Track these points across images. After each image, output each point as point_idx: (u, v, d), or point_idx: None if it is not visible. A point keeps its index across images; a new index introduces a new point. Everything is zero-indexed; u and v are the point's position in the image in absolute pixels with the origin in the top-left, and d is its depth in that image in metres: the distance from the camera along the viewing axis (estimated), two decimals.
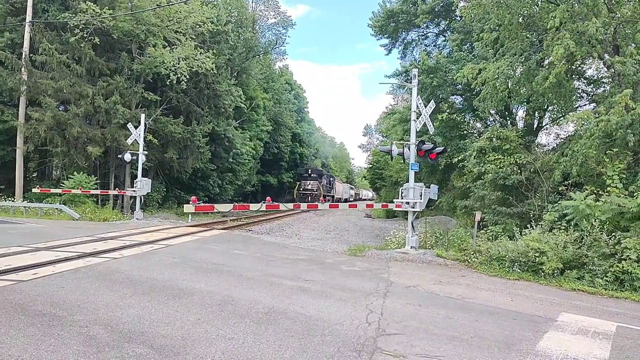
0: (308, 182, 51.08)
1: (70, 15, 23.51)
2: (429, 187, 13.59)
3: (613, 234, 10.16)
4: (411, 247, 13.38)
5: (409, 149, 13.76)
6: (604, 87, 17.37)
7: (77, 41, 23.33)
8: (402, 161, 14.68)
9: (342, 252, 13.93)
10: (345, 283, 8.88)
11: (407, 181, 13.88)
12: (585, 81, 18.44)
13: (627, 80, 11.86)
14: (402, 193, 13.71)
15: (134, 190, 21.89)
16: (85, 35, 23.26)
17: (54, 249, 10.90)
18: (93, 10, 22.90)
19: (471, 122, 24.49)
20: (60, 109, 24.64)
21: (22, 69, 23.53)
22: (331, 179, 61.39)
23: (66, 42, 23.90)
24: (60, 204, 21.96)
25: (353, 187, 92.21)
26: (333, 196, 59.66)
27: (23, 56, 23.63)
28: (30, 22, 23.77)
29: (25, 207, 21.87)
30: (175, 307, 6.45)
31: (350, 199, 78.18)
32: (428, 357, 5.07)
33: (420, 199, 13.21)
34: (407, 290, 8.62)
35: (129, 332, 5.31)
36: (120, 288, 7.39)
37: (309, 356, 4.85)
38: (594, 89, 18.32)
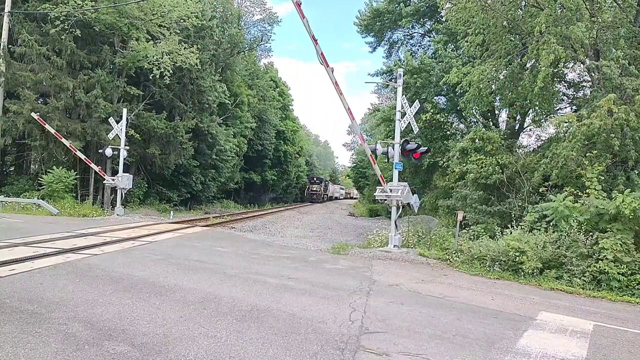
0: (314, 185, 77.75)
1: (51, 6, 22.92)
2: (414, 195, 13.90)
3: (590, 234, 10.39)
4: (394, 245, 13.47)
5: (393, 148, 13.85)
6: (584, 90, 17.70)
7: (57, 33, 22.76)
8: (386, 160, 14.77)
9: (325, 250, 13.96)
10: (329, 281, 8.90)
11: (391, 180, 13.99)
12: (566, 84, 18.77)
13: (609, 84, 12.11)
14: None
15: (113, 179, 21.58)
16: (66, 27, 22.70)
17: (33, 244, 10.68)
18: (74, 1, 22.41)
19: (454, 122, 24.73)
20: (39, 101, 24.07)
21: (0, 60, 22.90)
22: (327, 182, 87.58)
23: (46, 34, 23.29)
24: (38, 198, 21.50)
25: (343, 187, 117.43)
26: (327, 194, 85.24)
27: (1, 47, 22.96)
28: (9, 12, 23.15)
29: (1, 201, 21.34)
30: (157, 304, 6.38)
31: (341, 197, 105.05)
32: (410, 355, 5.11)
33: (403, 193, 13.40)
34: (390, 288, 8.68)
35: (109, 329, 5.23)
36: (100, 285, 7.28)
37: (292, 354, 4.84)
38: (575, 92, 18.65)
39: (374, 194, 14.43)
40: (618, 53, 12.17)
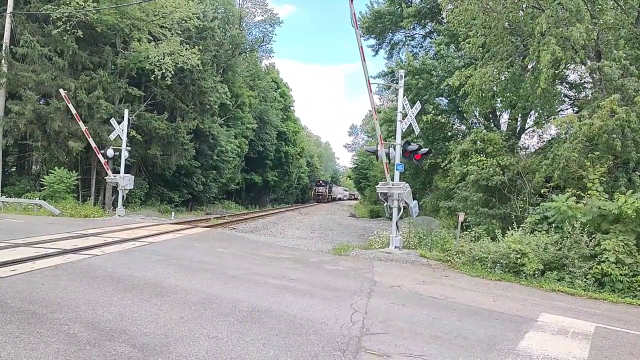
0: (319, 187, 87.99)
1: (53, 7, 23.00)
2: (413, 200, 13.98)
3: (593, 236, 10.37)
4: (395, 247, 13.45)
5: (395, 150, 13.85)
6: (585, 91, 17.69)
7: (59, 34, 22.82)
8: (387, 161, 14.76)
9: (326, 251, 13.95)
10: (330, 282, 8.89)
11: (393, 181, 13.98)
12: (567, 85, 18.75)
13: (610, 85, 12.10)
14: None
15: (115, 176, 21.55)
16: (68, 28, 22.76)
17: (34, 245, 10.68)
18: (77, 2, 22.46)
19: (456, 124, 24.71)
20: (41, 102, 24.11)
21: (2, 60, 22.91)
22: (331, 185, 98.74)
23: (48, 35, 23.34)
24: (40, 199, 21.53)
25: (347, 189, 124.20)
26: (331, 195, 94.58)
27: (3, 48, 23.02)
28: (11, 13, 23.20)
29: (3, 202, 21.37)
30: (158, 305, 6.38)
31: (344, 199, 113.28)
32: (412, 356, 5.10)
33: (405, 190, 13.50)
34: (391, 289, 8.67)
35: (111, 330, 5.24)
36: (101, 285, 7.28)
37: (293, 355, 4.84)
38: (576, 94, 18.64)
39: (376, 186, 14.45)
40: (619, 54, 12.14)
